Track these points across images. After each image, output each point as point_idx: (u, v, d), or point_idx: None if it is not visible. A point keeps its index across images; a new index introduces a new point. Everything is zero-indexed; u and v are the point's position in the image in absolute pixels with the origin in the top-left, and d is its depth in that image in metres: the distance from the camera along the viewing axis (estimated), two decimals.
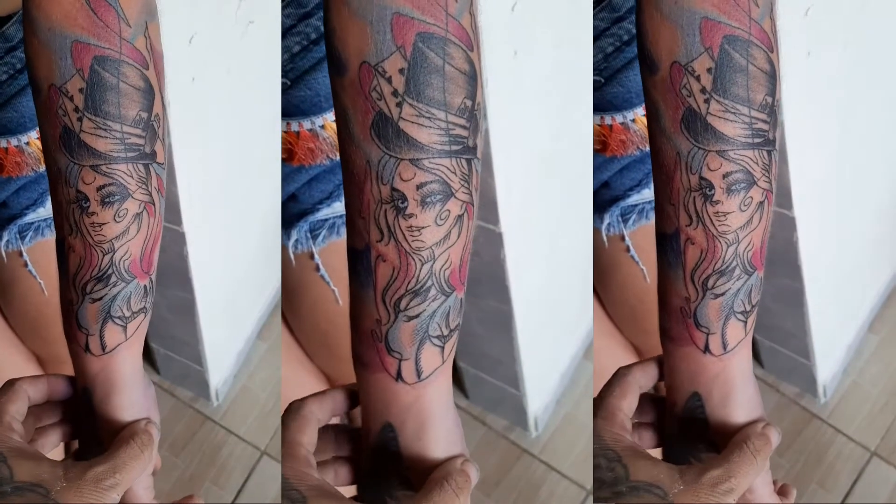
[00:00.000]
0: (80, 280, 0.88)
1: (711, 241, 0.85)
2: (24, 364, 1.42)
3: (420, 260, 0.81)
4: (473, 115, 0.81)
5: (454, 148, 0.80)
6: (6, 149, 1.23)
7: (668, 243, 0.88)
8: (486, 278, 1.53)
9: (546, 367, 1.80)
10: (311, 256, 1.24)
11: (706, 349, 0.88)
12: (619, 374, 0.93)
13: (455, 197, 0.81)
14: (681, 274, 0.87)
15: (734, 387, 0.88)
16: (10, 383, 0.93)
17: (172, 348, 1.87)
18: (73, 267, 0.88)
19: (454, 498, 0.82)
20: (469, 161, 0.81)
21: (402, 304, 0.82)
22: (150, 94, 0.86)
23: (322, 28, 1.11)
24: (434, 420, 0.84)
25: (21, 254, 1.30)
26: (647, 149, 1.22)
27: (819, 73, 1.39)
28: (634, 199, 1.27)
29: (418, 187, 0.80)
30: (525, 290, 1.59)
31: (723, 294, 0.86)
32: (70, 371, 1.42)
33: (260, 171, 1.69)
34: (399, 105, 0.79)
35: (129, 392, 0.90)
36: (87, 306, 0.88)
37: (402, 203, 0.80)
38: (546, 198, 1.54)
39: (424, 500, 0.83)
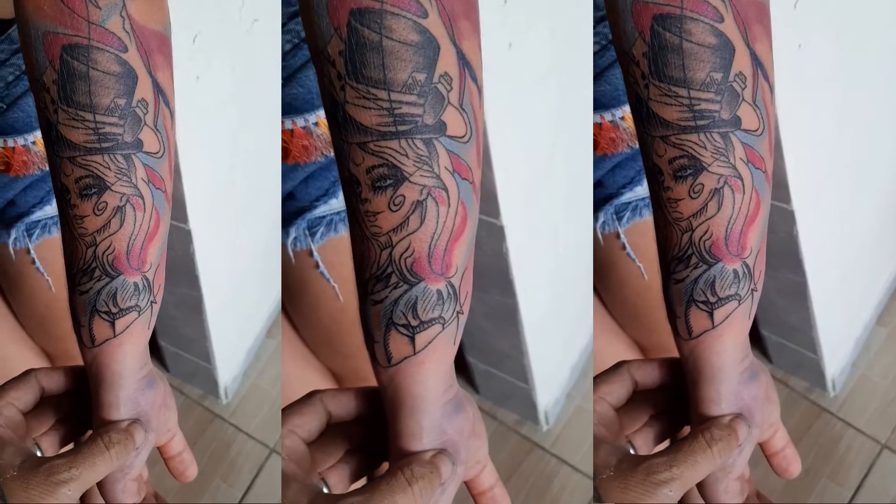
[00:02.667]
0: (70, 271, 0.90)
1: (668, 227, 0.85)
2: (34, 360, 1.47)
3: (378, 245, 0.80)
4: (432, 88, 0.78)
5: (402, 128, 0.78)
6: (13, 148, 1.27)
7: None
8: (489, 272, 1.55)
9: (555, 360, 1.81)
10: (311, 254, 1.27)
11: (676, 331, 0.88)
12: (614, 365, 0.93)
13: (409, 181, 0.79)
14: (660, 255, 0.88)
15: (700, 375, 0.87)
16: (26, 372, 0.94)
17: (180, 346, 1.89)
18: (66, 258, 0.90)
19: (405, 487, 0.82)
20: (428, 141, 0.79)
21: (368, 287, 0.82)
22: (129, 78, 0.85)
23: None
24: (405, 409, 0.84)
25: (29, 251, 1.34)
26: (637, 145, 1.27)
27: (812, 66, 1.40)
28: (628, 196, 1.31)
29: (367, 171, 0.79)
30: (529, 284, 1.60)
31: (682, 280, 0.85)
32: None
33: (265, 169, 1.70)
34: (343, 89, 0.78)
35: (117, 390, 0.90)
36: (77, 298, 0.90)
37: (357, 188, 0.80)
38: (547, 189, 1.55)
39: (370, 489, 0.83)
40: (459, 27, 0.79)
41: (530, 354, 1.72)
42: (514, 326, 1.67)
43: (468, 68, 0.80)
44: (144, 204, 0.88)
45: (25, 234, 1.34)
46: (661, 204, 0.85)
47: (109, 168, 0.86)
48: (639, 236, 1.33)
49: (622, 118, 1.25)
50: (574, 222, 1.60)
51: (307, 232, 1.27)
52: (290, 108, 1.21)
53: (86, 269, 0.89)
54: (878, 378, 1.88)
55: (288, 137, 1.22)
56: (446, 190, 0.80)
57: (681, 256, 0.85)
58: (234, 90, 1.58)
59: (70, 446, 0.97)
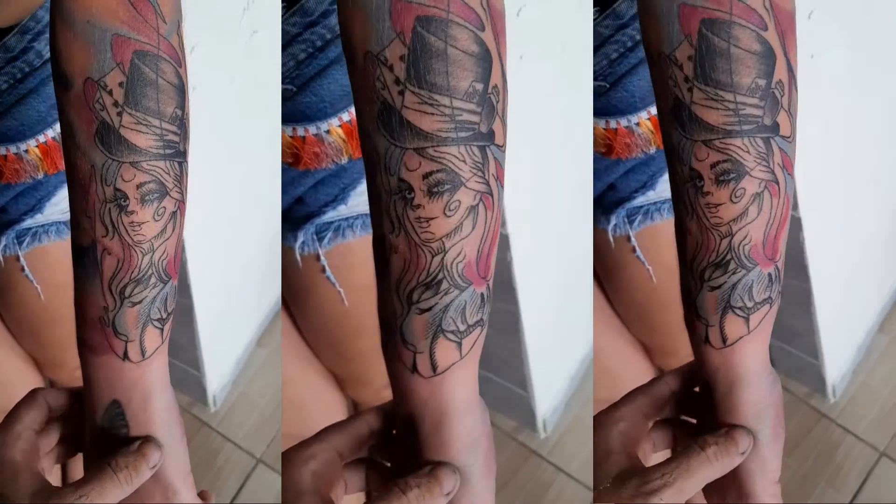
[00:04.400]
0: (117, 284, 0.87)
1: (704, 234, 0.85)
2: (22, 366, 1.48)
3: (430, 252, 0.80)
4: (487, 98, 0.79)
5: (462, 135, 0.79)
6: (5, 156, 1.27)
7: (676, 233, 0.88)
8: (493, 280, 1.57)
9: (555, 368, 1.82)
10: (318, 258, 1.28)
11: (706, 341, 0.87)
12: (653, 379, 0.94)
13: (466, 186, 0.80)
14: (684, 263, 0.87)
15: (735, 382, 0.87)
16: (32, 393, 0.92)
17: (170, 353, 1.83)
18: (109, 270, 0.87)
19: (399, 496, 0.82)
20: (483, 148, 0.80)
21: (415, 296, 0.82)
22: (183, 92, 0.87)
23: (326, 36, 1.17)
24: (451, 416, 0.83)
25: (18, 258, 1.33)
26: (652, 151, 1.27)
27: (824, 76, 1.41)
28: (640, 200, 1.31)
29: (424, 177, 0.79)
30: (532, 292, 1.62)
31: (718, 287, 0.85)
32: (67, 373, 1.50)
33: (261, 179, 1.72)
34: (402, 93, 0.78)
35: (161, 398, 0.90)
36: (126, 311, 0.87)
37: (409, 194, 0.80)
38: (553, 199, 1.57)
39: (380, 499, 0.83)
40: (501, 42, 0.81)
41: (530, 362, 1.73)
42: (515, 334, 1.68)
43: (505, 81, 0.82)
44: (185, 209, 0.89)
45: (15, 241, 1.34)
46: (696, 210, 0.85)
47: (169, 174, 0.87)
48: (649, 240, 1.34)
49: (637, 124, 1.26)
50: (578, 233, 1.60)
51: (315, 237, 1.28)
52: (304, 116, 1.21)
53: (140, 279, 0.87)
54: (878, 385, 1.90)
55: (300, 144, 1.23)
56: (492, 195, 0.81)
57: (718, 262, 0.85)
58: (232, 101, 1.59)
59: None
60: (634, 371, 1.47)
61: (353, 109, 1.18)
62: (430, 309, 0.82)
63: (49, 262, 1.36)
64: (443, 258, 0.81)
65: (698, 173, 0.84)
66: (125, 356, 0.88)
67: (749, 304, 0.86)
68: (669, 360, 1.48)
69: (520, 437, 1.88)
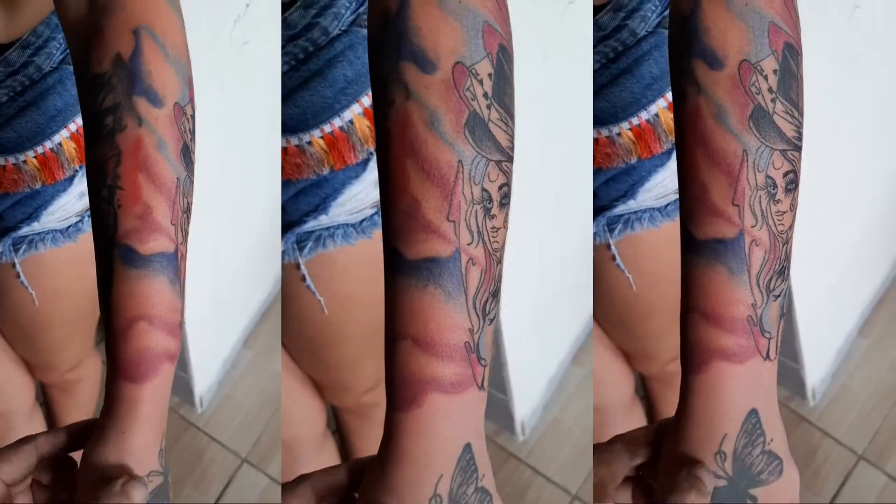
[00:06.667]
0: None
1: (773, 241, 0.86)
2: (14, 368, 1.50)
3: (496, 260, 0.82)
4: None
5: (512, 154, 0.83)
6: (3, 167, 1.29)
7: (726, 248, 0.86)
8: None
9: (533, 372, 1.82)
10: (298, 267, 1.28)
11: (767, 356, 0.87)
12: (609, 441, 0.93)
13: (509, 201, 0.84)
14: (746, 279, 0.86)
15: (774, 390, 0.88)
16: (23, 441, 0.90)
17: None
18: (182, 275, 0.95)
19: None
20: (512, 169, 0.84)
21: (488, 307, 0.83)
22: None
23: (309, 49, 1.16)
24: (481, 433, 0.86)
25: (14, 265, 1.36)
26: (633, 161, 1.27)
27: (807, 81, 1.42)
28: (620, 209, 1.31)
29: (499, 188, 0.82)
30: (513, 298, 1.59)
31: (780, 295, 0.87)
32: (58, 376, 1.52)
33: (251, 184, 1.73)
34: (489, 107, 0.82)
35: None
36: None
37: (489, 203, 0.82)
38: (535, 205, 1.56)
39: None
40: None
41: (509, 366, 1.74)
42: (494, 338, 1.65)
43: None
44: None
45: (12, 248, 1.36)
46: (766, 218, 0.87)
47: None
48: (629, 248, 1.34)
49: (618, 134, 1.26)
50: (559, 239, 1.61)
51: (295, 246, 1.28)
52: (286, 127, 1.22)
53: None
54: (858, 389, 1.90)
55: (282, 155, 1.23)
56: None
57: (780, 270, 0.87)
58: (223, 108, 1.59)
59: None
60: (614, 375, 1.48)
61: (335, 121, 1.18)
62: (495, 318, 0.85)
63: (44, 269, 1.38)
64: (500, 267, 0.84)
65: (773, 181, 0.86)
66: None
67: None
68: (648, 366, 1.48)
69: (498, 440, 1.87)
